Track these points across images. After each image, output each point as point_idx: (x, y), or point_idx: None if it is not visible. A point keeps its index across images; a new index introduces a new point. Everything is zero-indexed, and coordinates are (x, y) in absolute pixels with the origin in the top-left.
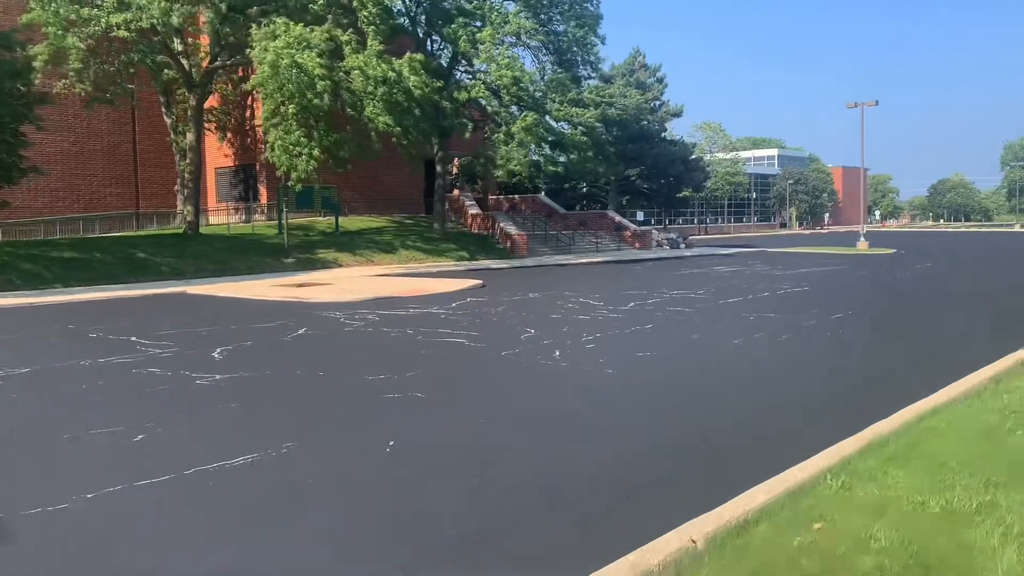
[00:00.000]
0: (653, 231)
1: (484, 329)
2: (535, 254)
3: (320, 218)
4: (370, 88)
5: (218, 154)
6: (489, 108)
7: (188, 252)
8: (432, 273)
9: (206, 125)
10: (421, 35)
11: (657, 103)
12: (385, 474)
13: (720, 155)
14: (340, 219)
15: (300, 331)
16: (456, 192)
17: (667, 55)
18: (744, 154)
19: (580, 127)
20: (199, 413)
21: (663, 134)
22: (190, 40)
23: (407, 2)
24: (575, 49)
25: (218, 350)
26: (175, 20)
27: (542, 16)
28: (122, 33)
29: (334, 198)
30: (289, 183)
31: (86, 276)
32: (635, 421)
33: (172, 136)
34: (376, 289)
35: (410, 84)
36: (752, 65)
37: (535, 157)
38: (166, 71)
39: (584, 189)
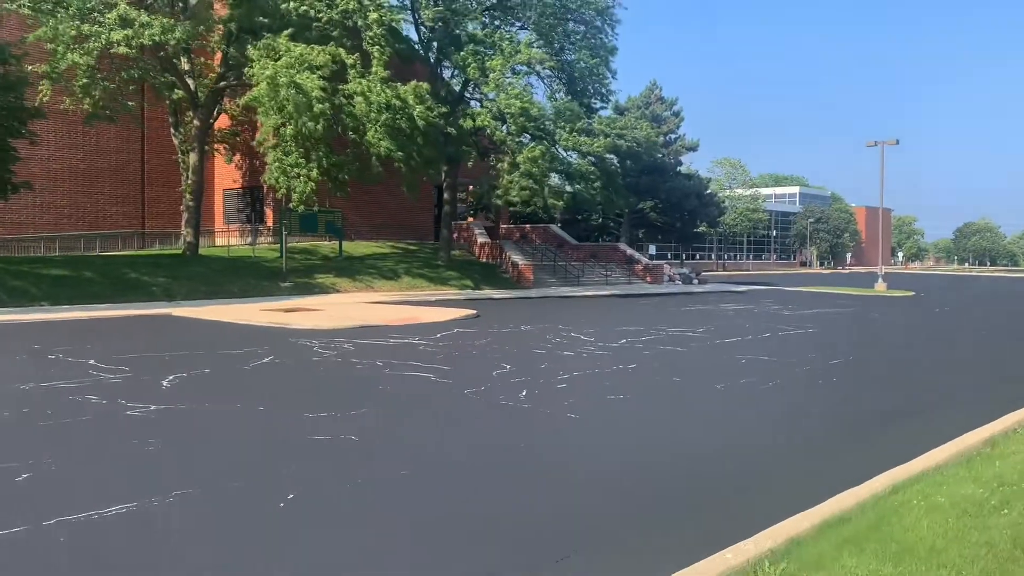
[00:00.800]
0: (665, 265)
1: (458, 363)
2: (542, 285)
3: (325, 242)
4: (372, 114)
5: (227, 176)
6: (496, 136)
7: (183, 273)
8: (431, 301)
9: (215, 146)
10: (433, 60)
11: (672, 136)
12: (264, 535)
13: (740, 191)
14: (346, 244)
15: (266, 359)
16: (471, 219)
17: (691, 90)
18: (765, 191)
19: (589, 157)
20: (107, 450)
21: (679, 168)
22: (203, 59)
23: (421, 28)
24: (587, 79)
25: (171, 377)
26: (178, 36)
27: (555, 45)
28: (122, 50)
29: (338, 222)
30: (290, 205)
31: (75, 295)
32: (574, 479)
33: (180, 156)
34: (365, 317)
35: (415, 112)
36: (777, 103)
37: (545, 186)
38: (176, 91)
39: (597, 221)
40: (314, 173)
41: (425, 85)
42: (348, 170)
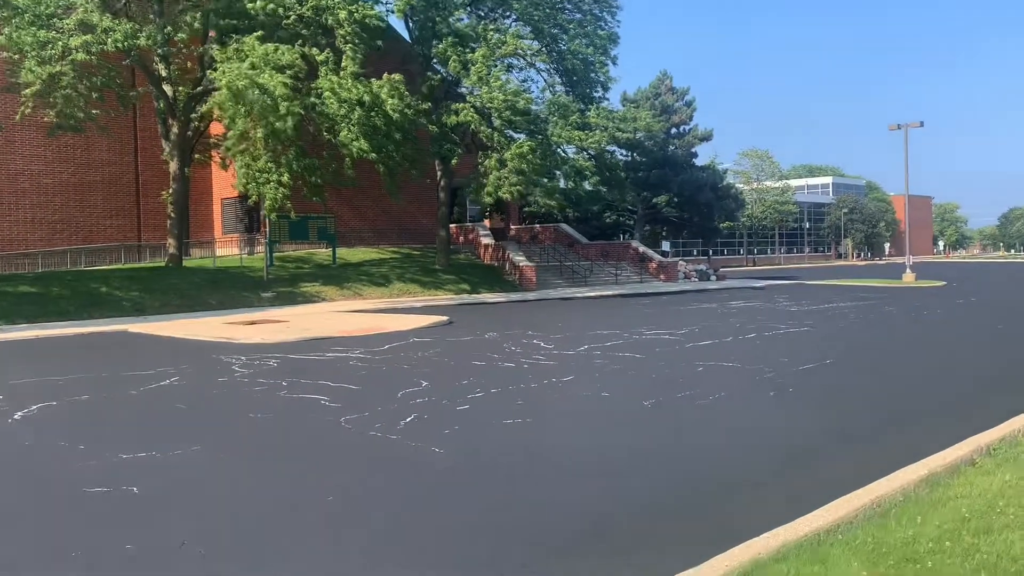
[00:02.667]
0: (680, 262)
1: (373, 381)
2: (546, 286)
3: (322, 249)
4: (344, 111)
5: (225, 184)
6: (481, 132)
7: (158, 286)
8: (416, 308)
9: (212, 153)
10: (422, 57)
11: (685, 128)
12: None
13: (768, 183)
14: (345, 250)
15: (165, 382)
16: (487, 221)
17: (728, 86)
18: (796, 182)
19: (585, 152)
20: None
21: (693, 159)
22: (189, 63)
23: (408, 24)
24: (584, 69)
25: (33, 407)
26: (144, 41)
27: (548, 35)
28: (80, 56)
29: (331, 228)
30: (262, 212)
31: (37, 312)
32: (371, 556)
33: (168, 165)
34: (324, 328)
35: (387, 107)
36: (816, 91)
37: (539, 184)
38: (158, 99)
39: (610, 218)
40: (285, 178)
41: (399, 77)
42: (322, 174)
